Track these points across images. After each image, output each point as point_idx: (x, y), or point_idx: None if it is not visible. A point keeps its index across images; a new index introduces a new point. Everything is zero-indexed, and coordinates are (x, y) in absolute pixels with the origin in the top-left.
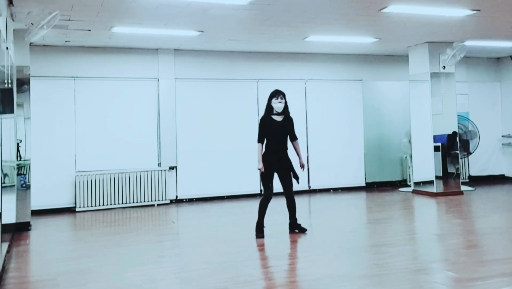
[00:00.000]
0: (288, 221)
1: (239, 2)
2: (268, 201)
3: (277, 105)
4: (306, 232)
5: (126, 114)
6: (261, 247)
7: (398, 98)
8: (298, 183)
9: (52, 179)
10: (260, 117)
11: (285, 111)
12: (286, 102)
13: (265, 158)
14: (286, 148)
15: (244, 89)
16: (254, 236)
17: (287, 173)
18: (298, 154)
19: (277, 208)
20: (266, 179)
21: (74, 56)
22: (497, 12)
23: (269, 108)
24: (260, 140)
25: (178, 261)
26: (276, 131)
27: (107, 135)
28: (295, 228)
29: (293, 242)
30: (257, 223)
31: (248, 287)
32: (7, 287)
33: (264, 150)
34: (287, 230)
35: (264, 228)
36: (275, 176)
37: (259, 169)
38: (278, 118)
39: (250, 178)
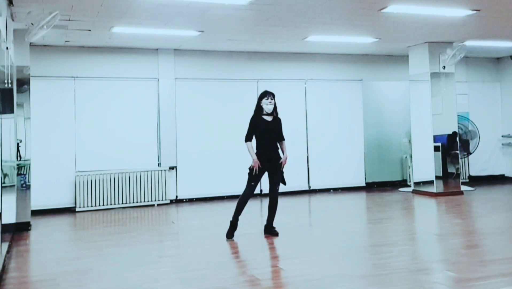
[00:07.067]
0: (264, 222)
1: (239, 2)
2: (248, 198)
3: (268, 106)
4: (277, 236)
5: (126, 114)
6: (261, 247)
7: (398, 98)
8: (284, 184)
9: (52, 179)
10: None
11: (274, 112)
12: (275, 104)
13: (258, 157)
14: (277, 148)
15: (244, 89)
16: (254, 236)
17: (276, 173)
18: (283, 153)
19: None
20: (253, 177)
21: (74, 56)
22: (497, 12)
23: (259, 109)
24: (248, 139)
25: (178, 261)
26: (266, 131)
27: (107, 135)
28: (269, 232)
29: (293, 242)
30: (232, 221)
31: (248, 287)
32: (7, 287)
33: (255, 149)
34: (286, 230)
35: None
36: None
37: (254, 165)
38: (268, 118)
39: None
